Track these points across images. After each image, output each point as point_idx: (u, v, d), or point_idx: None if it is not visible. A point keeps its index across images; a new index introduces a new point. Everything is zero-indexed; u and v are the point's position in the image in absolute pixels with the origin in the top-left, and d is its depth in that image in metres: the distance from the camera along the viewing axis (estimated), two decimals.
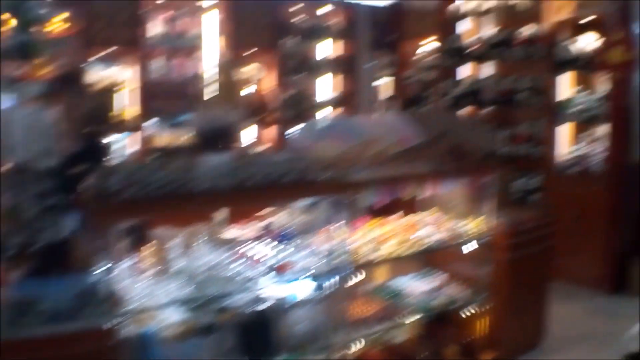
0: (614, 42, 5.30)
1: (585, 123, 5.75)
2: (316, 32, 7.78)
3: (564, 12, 5.71)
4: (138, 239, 2.91)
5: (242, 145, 6.59)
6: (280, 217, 3.46)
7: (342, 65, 8.11)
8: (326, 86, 8.14)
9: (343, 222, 3.23)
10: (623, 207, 5.56)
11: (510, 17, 6.58)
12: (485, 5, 6.56)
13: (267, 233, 3.37)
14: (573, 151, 5.95)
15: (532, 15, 6.13)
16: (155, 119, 6.53)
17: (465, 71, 7.30)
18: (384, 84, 8.71)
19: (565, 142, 6.04)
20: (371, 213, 3.69)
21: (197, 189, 2.79)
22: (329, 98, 8.10)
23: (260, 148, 6.95)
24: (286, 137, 7.06)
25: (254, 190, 2.95)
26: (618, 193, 5.53)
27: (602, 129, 5.66)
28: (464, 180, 3.81)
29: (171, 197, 2.74)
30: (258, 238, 3.32)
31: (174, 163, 2.82)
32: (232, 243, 3.20)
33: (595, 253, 5.58)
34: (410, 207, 3.96)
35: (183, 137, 6.40)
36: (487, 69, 7.12)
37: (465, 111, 7.24)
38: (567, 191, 5.79)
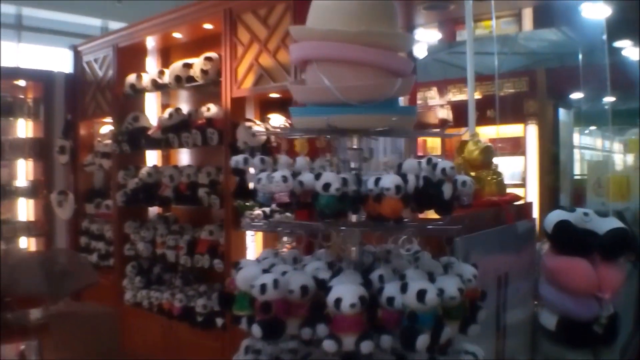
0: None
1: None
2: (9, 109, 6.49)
3: (246, 87, 4.49)
4: None
5: None
6: None
7: (34, 149, 6.68)
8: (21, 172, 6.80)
9: None
10: None
11: (193, 94, 5.33)
12: (166, 79, 5.17)
13: None
14: None
15: (213, 91, 4.86)
16: None
17: (151, 159, 5.87)
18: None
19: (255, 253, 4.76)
20: None
21: None
22: (22, 185, 6.71)
23: None
24: None
25: None
26: None
27: None
28: None
29: None
30: None
31: None
32: None
33: None
34: None
35: None
36: (182, 157, 5.73)
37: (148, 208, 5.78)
38: None
